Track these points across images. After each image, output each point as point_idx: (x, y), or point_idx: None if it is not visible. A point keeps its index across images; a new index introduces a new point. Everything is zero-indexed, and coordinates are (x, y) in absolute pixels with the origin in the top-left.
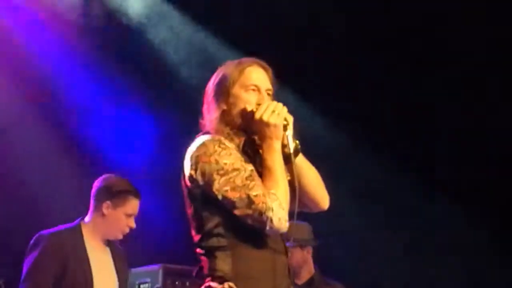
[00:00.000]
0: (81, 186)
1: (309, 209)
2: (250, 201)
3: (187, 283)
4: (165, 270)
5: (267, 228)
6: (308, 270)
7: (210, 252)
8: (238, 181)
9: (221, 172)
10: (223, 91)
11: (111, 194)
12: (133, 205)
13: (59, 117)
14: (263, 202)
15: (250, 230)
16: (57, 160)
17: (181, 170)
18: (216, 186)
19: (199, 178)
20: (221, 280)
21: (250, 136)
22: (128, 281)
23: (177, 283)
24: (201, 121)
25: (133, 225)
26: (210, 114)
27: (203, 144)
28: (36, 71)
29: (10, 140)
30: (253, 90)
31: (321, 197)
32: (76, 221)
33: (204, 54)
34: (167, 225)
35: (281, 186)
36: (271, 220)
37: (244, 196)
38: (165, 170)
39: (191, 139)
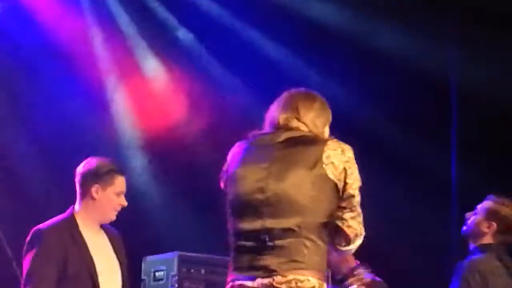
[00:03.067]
0: None
1: None
2: (361, 220)
3: (202, 271)
4: (181, 258)
5: (346, 247)
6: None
7: (321, 243)
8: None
9: (359, 182)
10: (328, 119)
11: (98, 177)
12: (121, 182)
13: None
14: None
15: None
16: None
17: (315, 161)
18: (356, 191)
19: (351, 175)
20: (322, 277)
21: None
22: (126, 264)
23: (192, 271)
24: (311, 127)
25: (125, 203)
26: (324, 128)
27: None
28: None
29: None
30: None
31: None
32: (69, 211)
33: None
34: (182, 213)
35: None
36: (354, 245)
37: (360, 212)
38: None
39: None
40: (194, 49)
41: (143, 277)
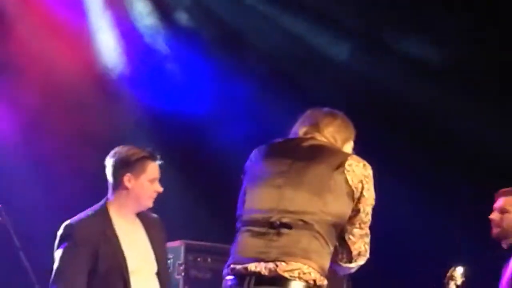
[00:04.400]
0: None
1: None
2: (368, 242)
3: (209, 259)
4: (187, 247)
5: (350, 264)
6: None
7: (327, 243)
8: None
9: (373, 202)
10: (349, 138)
11: (129, 165)
12: (153, 169)
13: None
14: (366, 251)
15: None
16: None
17: (339, 163)
18: (368, 208)
19: (366, 191)
20: (324, 274)
21: None
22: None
23: (199, 259)
24: (331, 141)
25: (160, 189)
26: (344, 144)
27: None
28: None
29: None
30: None
31: None
32: (102, 202)
33: None
34: (190, 202)
35: None
36: (360, 262)
37: (368, 233)
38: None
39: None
40: None
41: None
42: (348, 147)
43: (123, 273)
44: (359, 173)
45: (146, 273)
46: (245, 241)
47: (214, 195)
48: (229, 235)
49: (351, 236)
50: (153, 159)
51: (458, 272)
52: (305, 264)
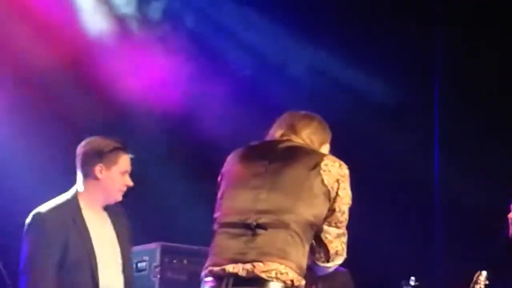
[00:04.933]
0: None
1: None
2: (344, 241)
3: (185, 261)
4: (163, 249)
5: (327, 263)
6: None
7: (302, 242)
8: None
9: (350, 203)
10: (326, 140)
11: (101, 156)
12: (125, 161)
13: None
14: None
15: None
16: None
17: (314, 164)
18: (345, 208)
19: (342, 190)
20: (302, 274)
21: None
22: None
23: (175, 261)
24: (307, 142)
25: (131, 183)
26: (321, 146)
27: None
28: None
29: None
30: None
31: None
32: (71, 191)
33: None
34: (166, 203)
35: None
36: (337, 262)
37: (345, 232)
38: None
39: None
40: None
41: None
42: (325, 149)
43: (92, 265)
44: (335, 172)
45: (112, 266)
46: (223, 243)
47: (194, 195)
48: (206, 237)
49: (327, 235)
50: (126, 151)
51: (483, 276)
52: (282, 264)
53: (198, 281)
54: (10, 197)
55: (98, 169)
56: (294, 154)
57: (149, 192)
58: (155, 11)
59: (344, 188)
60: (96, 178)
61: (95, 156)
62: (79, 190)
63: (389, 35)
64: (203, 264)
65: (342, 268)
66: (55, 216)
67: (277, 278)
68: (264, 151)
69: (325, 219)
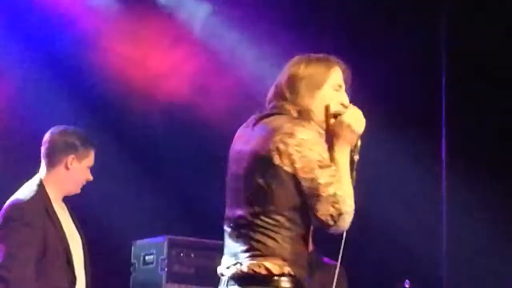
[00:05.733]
0: None
1: None
2: (335, 200)
3: (192, 255)
4: (170, 242)
5: (333, 227)
6: None
7: (272, 231)
8: (331, 178)
9: (321, 164)
10: (315, 84)
11: (76, 147)
12: (93, 156)
13: None
14: (343, 204)
15: (306, 218)
16: None
17: (246, 140)
18: (311, 175)
19: (298, 160)
20: (279, 262)
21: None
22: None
23: (182, 255)
24: (279, 102)
25: (91, 177)
26: (299, 101)
27: (310, 131)
28: None
29: None
30: (338, 89)
31: None
32: (36, 180)
33: None
34: (173, 197)
35: (350, 188)
36: (340, 223)
37: (332, 193)
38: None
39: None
40: None
41: (132, 261)
42: (326, 95)
43: (67, 252)
44: (278, 145)
45: (80, 258)
46: (225, 242)
47: (196, 191)
48: (212, 231)
49: (312, 210)
50: (95, 146)
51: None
52: (265, 260)
53: (205, 275)
54: None
55: (70, 159)
56: (255, 141)
57: (162, 184)
58: None
59: (303, 156)
60: (67, 168)
61: (70, 147)
62: (43, 178)
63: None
64: (210, 257)
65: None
66: (32, 206)
67: (257, 273)
68: (242, 138)
69: (304, 195)
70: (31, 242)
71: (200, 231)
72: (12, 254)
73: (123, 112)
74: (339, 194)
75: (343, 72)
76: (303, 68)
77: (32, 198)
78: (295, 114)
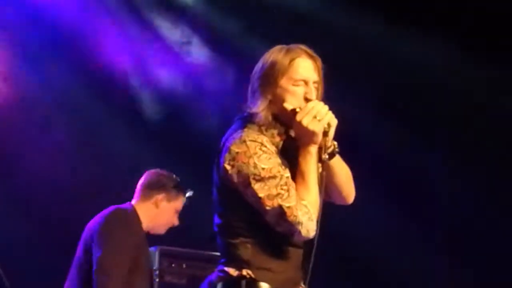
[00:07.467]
0: None
1: (334, 201)
2: (282, 212)
3: (184, 265)
4: (162, 252)
5: (295, 237)
6: None
7: (232, 238)
8: (273, 190)
9: (257, 177)
10: (271, 82)
11: (167, 188)
12: (182, 202)
13: None
14: (294, 215)
15: (272, 228)
16: None
17: (216, 154)
18: (250, 190)
19: (234, 175)
20: (238, 266)
21: (289, 130)
22: None
23: (173, 265)
24: (244, 104)
25: (177, 222)
26: (255, 102)
27: (245, 143)
28: None
29: None
30: (301, 84)
31: (348, 194)
32: (129, 204)
33: None
34: None
35: (313, 193)
36: (300, 232)
37: (276, 206)
38: None
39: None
40: None
41: None
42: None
43: (151, 268)
44: (224, 161)
45: None
46: None
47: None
48: (203, 241)
49: (267, 220)
50: (185, 194)
51: None
52: (223, 270)
53: (196, 285)
54: None
55: (160, 197)
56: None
57: None
58: None
59: (238, 171)
60: (156, 205)
61: (162, 186)
62: (135, 207)
63: None
64: (201, 268)
65: None
66: (136, 218)
67: (221, 277)
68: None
69: (251, 209)
70: (129, 247)
71: (192, 241)
72: (111, 255)
73: None
74: (286, 206)
75: (312, 61)
76: (261, 64)
77: (131, 212)
78: (249, 119)
